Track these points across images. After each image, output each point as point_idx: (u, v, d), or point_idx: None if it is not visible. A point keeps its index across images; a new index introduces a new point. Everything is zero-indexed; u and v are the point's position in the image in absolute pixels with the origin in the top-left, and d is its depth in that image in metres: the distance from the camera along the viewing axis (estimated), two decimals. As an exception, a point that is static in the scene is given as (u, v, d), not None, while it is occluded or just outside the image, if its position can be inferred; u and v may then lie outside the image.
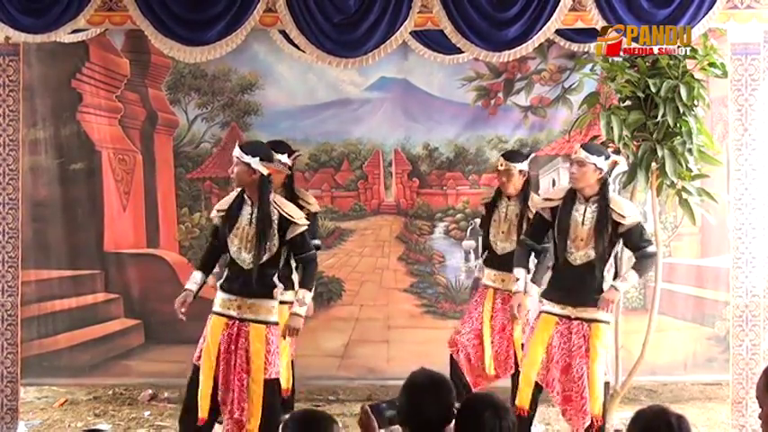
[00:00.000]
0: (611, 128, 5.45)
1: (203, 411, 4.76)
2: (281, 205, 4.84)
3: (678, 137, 5.48)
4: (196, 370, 4.82)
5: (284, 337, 5.00)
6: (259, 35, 5.85)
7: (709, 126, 5.95)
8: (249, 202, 4.83)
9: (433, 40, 5.82)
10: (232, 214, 4.85)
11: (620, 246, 4.97)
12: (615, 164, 5.19)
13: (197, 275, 4.96)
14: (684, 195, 5.61)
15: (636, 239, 4.93)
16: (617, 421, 5.75)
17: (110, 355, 6.71)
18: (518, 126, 6.75)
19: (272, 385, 4.80)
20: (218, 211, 4.94)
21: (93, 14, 5.05)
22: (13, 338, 5.50)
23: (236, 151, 4.79)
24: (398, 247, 6.83)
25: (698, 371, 6.65)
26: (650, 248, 4.97)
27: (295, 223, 4.81)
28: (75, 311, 6.69)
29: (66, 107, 6.67)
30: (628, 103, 5.63)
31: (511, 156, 5.72)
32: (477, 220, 6.32)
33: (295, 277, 5.51)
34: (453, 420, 3.05)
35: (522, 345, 5.36)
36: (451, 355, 5.73)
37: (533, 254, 5.28)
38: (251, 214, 4.80)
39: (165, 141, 6.76)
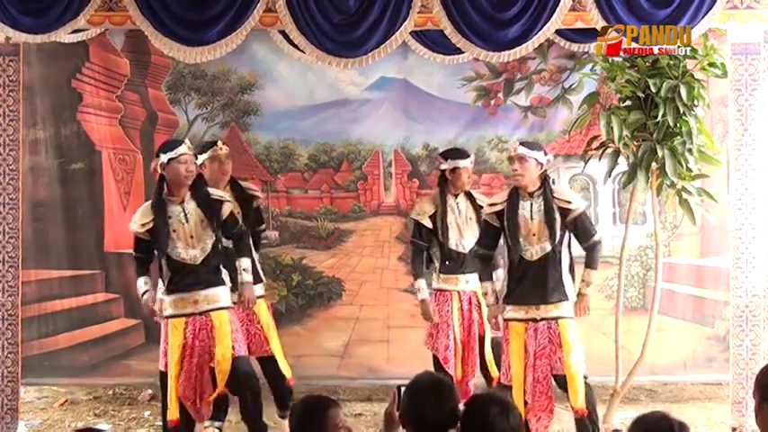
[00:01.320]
0: (611, 128, 5.45)
1: (173, 413, 4.87)
2: (208, 190, 5.02)
3: (678, 137, 5.48)
4: (164, 377, 4.97)
5: (244, 311, 5.17)
6: (259, 35, 5.85)
7: (709, 126, 5.95)
8: (177, 201, 4.92)
9: (432, 41, 5.82)
10: (159, 222, 4.89)
11: (569, 236, 4.98)
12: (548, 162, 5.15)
13: (145, 279, 5.05)
14: (684, 195, 5.61)
15: (582, 228, 4.95)
16: (617, 421, 5.75)
17: (110, 354, 6.72)
18: (518, 126, 6.75)
19: (242, 359, 4.92)
20: (142, 225, 4.93)
21: (94, 14, 5.06)
22: (13, 338, 5.51)
23: (174, 153, 4.88)
24: (398, 247, 6.83)
25: (698, 371, 6.65)
26: (596, 237, 5.00)
27: (226, 201, 5.02)
28: (75, 311, 6.70)
29: (66, 107, 6.67)
30: (628, 103, 5.63)
31: (527, 144, 5.57)
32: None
33: (260, 270, 5.68)
34: (458, 423, 3.05)
35: (492, 340, 5.51)
36: (435, 355, 5.67)
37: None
38: (183, 212, 4.89)
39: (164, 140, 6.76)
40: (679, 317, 6.67)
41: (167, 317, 4.95)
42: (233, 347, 4.88)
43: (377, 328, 6.75)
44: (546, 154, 5.00)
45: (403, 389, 3.11)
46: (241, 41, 5.13)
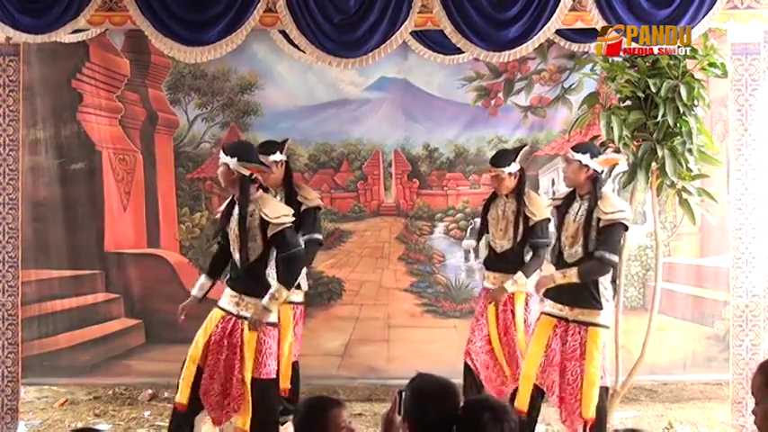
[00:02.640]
0: (611, 128, 5.45)
1: (183, 397, 4.80)
2: (262, 205, 4.81)
3: (678, 137, 5.48)
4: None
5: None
6: (259, 35, 5.85)
7: (709, 126, 5.96)
8: (237, 203, 4.87)
9: (433, 41, 5.82)
10: (225, 215, 4.92)
11: None
12: (612, 164, 5.23)
13: (204, 282, 5.03)
14: (684, 195, 5.61)
15: (604, 236, 4.84)
16: (617, 421, 5.76)
17: (110, 354, 6.73)
18: (518, 126, 6.75)
19: (263, 385, 4.79)
20: (219, 212, 5.02)
21: (94, 14, 5.06)
22: (13, 338, 5.50)
23: (220, 152, 4.85)
24: (398, 246, 6.84)
25: (698, 370, 6.66)
26: (610, 256, 4.84)
27: (271, 223, 4.76)
28: (75, 311, 6.70)
29: (66, 107, 6.68)
30: (628, 103, 5.63)
31: (497, 161, 5.63)
32: (477, 220, 6.30)
33: (303, 278, 5.57)
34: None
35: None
36: (466, 364, 5.61)
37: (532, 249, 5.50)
38: (237, 215, 4.84)
39: (166, 141, 6.77)
40: (679, 317, 6.68)
41: (217, 304, 4.91)
42: (255, 368, 4.75)
43: (377, 327, 6.76)
44: (594, 156, 4.94)
45: (404, 393, 3.10)
46: (241, 41, 5.12)
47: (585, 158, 4.91)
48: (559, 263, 5.03)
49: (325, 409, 3.07)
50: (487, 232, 5.77)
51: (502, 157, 5.66)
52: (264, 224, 4.76)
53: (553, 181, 6.68)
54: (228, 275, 4.96)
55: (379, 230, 6.86)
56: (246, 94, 6.74)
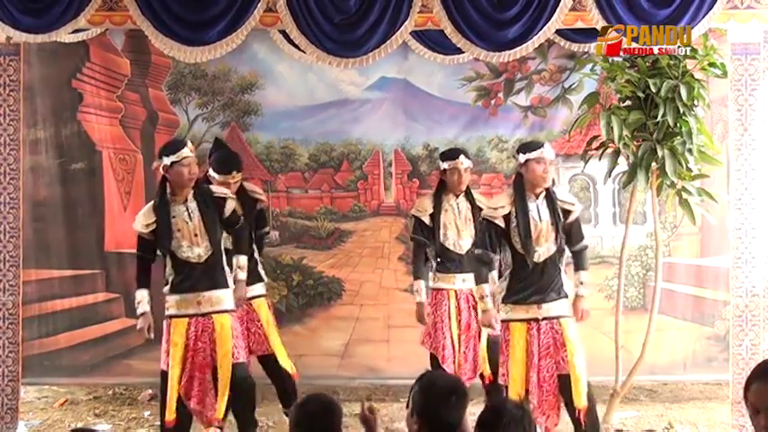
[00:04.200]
0: (611, 128, 5.45)
1: (170, 413, 4.89)
2: (210, 188, 5.09)
3: (678, 137, 5.48)
4: (165, 376, 4.94)
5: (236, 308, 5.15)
6: (259, 35, 5.86)
7: (709, 126, 5.95)
8: (180, 202, 4.96)
9: (433, 41, 5.83)
10: (162, 221, 4.94)
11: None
12: None
13: (145, 295, 5.07)
14: (684, 195, 5.61)
15: (578, 230, 5.07)
16: (617, 421, 5.76)
17: (110, 354, 6.73)
18: (518, 126, 6.75)
19: (242, 368, 4.98)
20: (145, 225, 5.00)
21: (94, 14, 5.05)
22: (14, 337, 5.50)
23: (177, 156, 4.92)
24: (398, 246, 6.84)
25: (697, 370, 6.65)
26: (586, 241, 5.13)
27: (229, 198, 5.07)
28: (75, 311, 6.70)
29: (66, 107, 6.68)
30: (628, 103, 5.63)
31: (453, 153, 5.68)
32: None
33: (261, 270, 5.72)
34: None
35: (489, 339, 5.50)
36: (432, 354, 5.60)
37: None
38: (187, 211, 4.94)
39: (166, 141, 6.76)
40: (679, 317, 6.68)
41: (169, 316, 4.97)
42: (232, 354, 4.92)
43: (377, 327, 6.76)
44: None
45: (413, 390, 3.12)
46: (241, 41, 5.12)
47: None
48: (524, 265, 4.92)
49: (322, 407, 3.12)
50: (441, 237, 5.64)
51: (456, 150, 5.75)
52: (220, 204, 5.00)
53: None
54: (173, 282, 4.98)
55: (379, 230, 6.86)
56: (247, 94, 6.74)
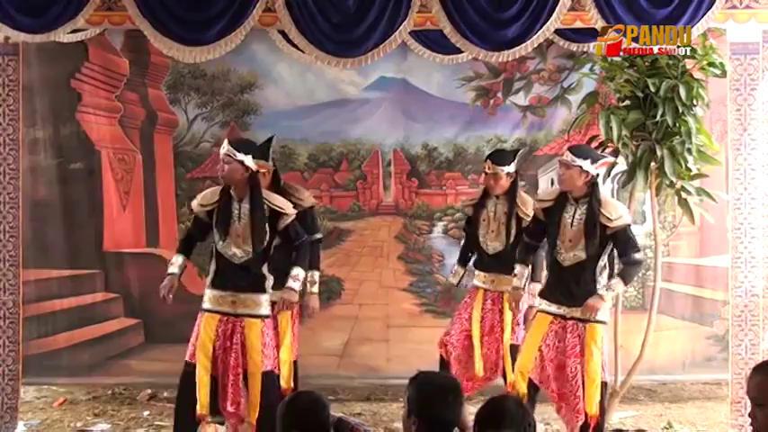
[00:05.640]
0: (610, 127, 5.45)
1: (203, 408, 4.82)
2: (270, 199, 4.95)
3: (677, 136, 5.48)
4: (188, 368, 4.89)
5: (278, 313, 5.09)
6: (258, 35, 5.84)
7: (708, 126, 5.95)
8: (237, 199, 4.91)
9: (432, 40, 5.81)
10: (220, 210, 4.92)
11: (610, 247, 4.98)
12: (611, 165, 5.22)
13: (179, 258, 5.07)
14: (683, 195, 5.61)
15: (622, 243, 4.93)
16: (616, 421, 5.76)
17: (109, 354, 6.72)
18: (517, 126, 6.75)
19: (269, 377, 4.90)
20: (201, 205, 5.01)
21: (93, 14, 5.05)
22: (14, 337, 5.50)
23: (228, 149, 4.87)
24: (397, 246, 6.84)
25: (697, 370, 6.66)
26: (636, 255, 4.97)
27: (285, 214, 4.94)
28: (74, 311, 6.69)
29: (65, 107, 6.67)
30: (627, 102, 5.63)
31: (498, 159, 5.62)
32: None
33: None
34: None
35: (511, 347, 5.42)
36: (441, 356, 5.64)
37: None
38: (239, 210, 4.89)
39: (165, 141, 6.77)
40: (678, 316, 6.68)
41: (203, 310, 4.95)
42: (262, 362, 4.86)
43: (376, 327, 6.76)
44: (594, 161, 4.94)
45: (408, 391, 3.12)
46: (240, 41, 5.11)
47: (587, 164, 4.90)
48: (555, 265, 5.01)
49: (310, 405, 3.13)
50: (476, 235, 5.71)
51: (502, 156, 5.67)
52: (274, 217, 4.89)
53: (552, 181, 6.68)
54: (213, 274, 4.97)
55: (378, 230, 6.86)
56: (246, 94, 6.74)
